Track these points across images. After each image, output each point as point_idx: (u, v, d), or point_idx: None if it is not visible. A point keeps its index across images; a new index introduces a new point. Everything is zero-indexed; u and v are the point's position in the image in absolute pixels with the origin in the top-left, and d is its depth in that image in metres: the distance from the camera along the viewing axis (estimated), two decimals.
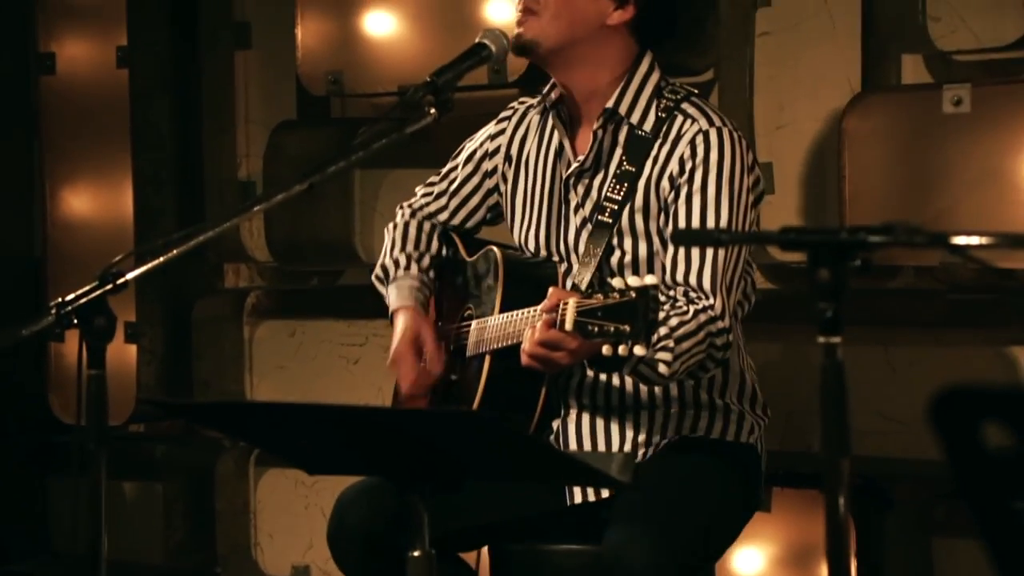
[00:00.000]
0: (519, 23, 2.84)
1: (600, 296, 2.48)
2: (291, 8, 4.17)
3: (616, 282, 2.48)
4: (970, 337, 3.47)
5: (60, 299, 2.47)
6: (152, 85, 4.47)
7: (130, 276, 2.50)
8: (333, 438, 2.42)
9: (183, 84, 4.51)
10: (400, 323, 2.99)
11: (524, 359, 2.64)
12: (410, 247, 3.10)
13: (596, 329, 2.47)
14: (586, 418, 2.88)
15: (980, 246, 1.85)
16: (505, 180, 3.03)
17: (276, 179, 4.18)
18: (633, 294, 2.45)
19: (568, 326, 2.50)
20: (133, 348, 4.42)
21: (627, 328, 2.44)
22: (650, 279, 2.47)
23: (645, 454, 2.85)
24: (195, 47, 4.52)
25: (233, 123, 4.53)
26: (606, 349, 2.47)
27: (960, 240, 1.86)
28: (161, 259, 2.55)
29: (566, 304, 2.52)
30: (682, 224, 2.77)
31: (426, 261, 3.09)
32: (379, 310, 3.17)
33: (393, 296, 3.04)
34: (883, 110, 3.45)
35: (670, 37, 2.91)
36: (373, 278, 3.13)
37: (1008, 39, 3.36)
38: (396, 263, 3.08)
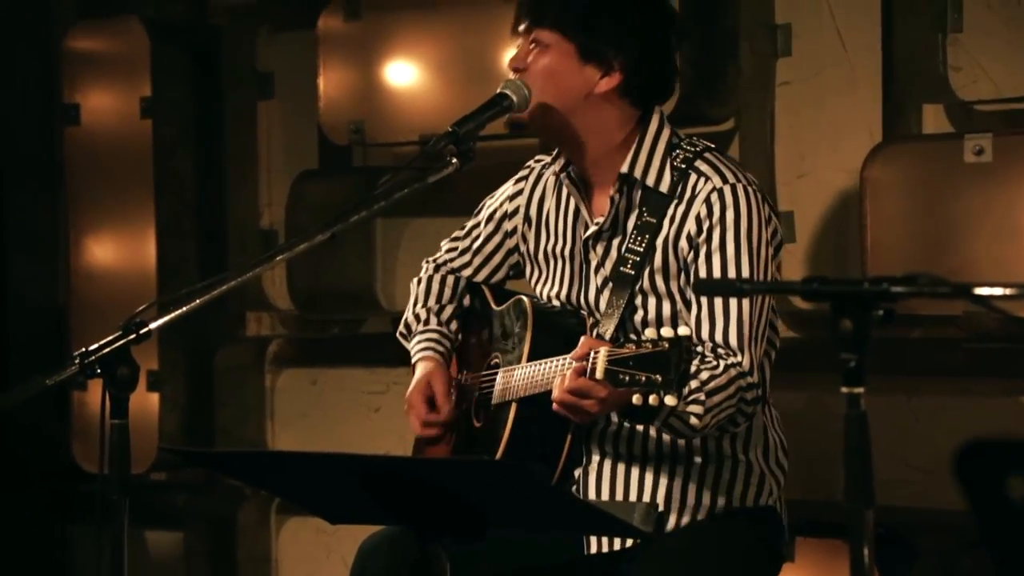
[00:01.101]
0: None
1: (632, 345, 2.48)
2: (313, 58, 4.19)
3: (648, 332, 2.49)
4: (993, 386, 3.46)
5: (84, 349, 2.48)
6: (175, 135, 4.49)
7: (153, 326, 2.51)
8: (354, 487, 2.42)
9: (206, 134, 4.54)
10: (416, 374, 3.02)
11: (554, 407, 2.64)
12: (431, 301, 3.12)
13: (627, 378, 2.47)
14: (607, 466, 2.87)
15: (1003, 296, 1.85)
16: (525, 240, 3.04)
17: (298, 228, 4.19)
18: (666, 344, 2.45)
19: (599, 374, 2.50)
20: (155, 396, 4.43)
21: (659, 378, 2.44)
22: (683, 330, 2.47)
23: (666, 512, 2.84)
24: (218, 97, 4.55)
25: (255, 172, 4.56)
26: (636, 399, 2.47)
27: (983, 291, 1.86)
28: (184, 309, 2.56)
29: (597, 353, 2.52)
30: None
31: (446, 313, 3.11)
32: (400, 358, 3.18)
33: (414, 349, 3.07)
34: (904, 160, 3.46)
35: (665, 98, 2.91)
36: (398, 335, 3.16)
37: None
38: (417, 318, 3.11)
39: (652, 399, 2.45)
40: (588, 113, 2.84)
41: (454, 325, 3.10)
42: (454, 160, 2.74)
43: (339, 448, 4.21)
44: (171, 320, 2.55)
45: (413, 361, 3.06)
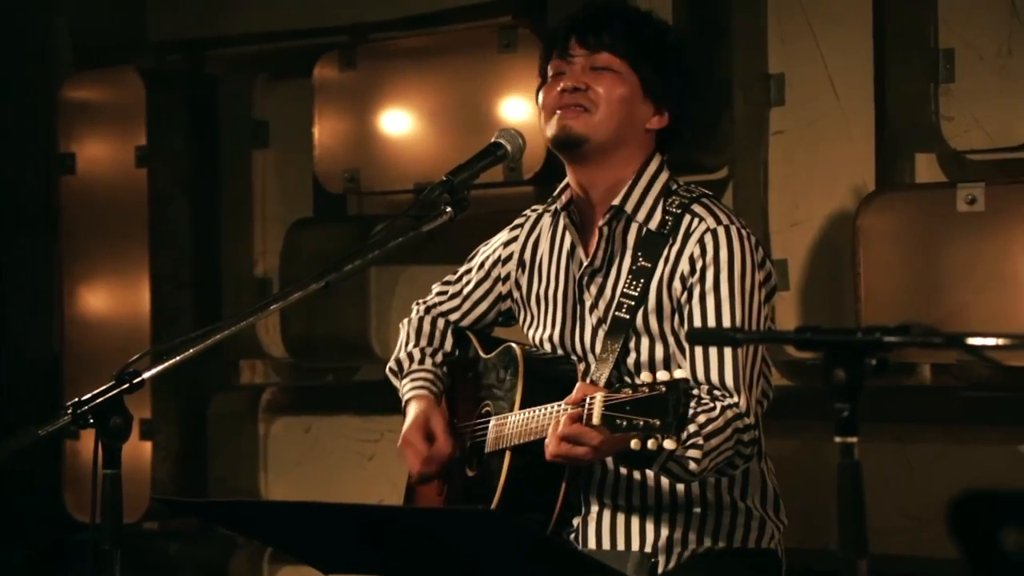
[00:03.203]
0: (566, 116, 2.84)
1: (628, 390, 2.48)
2: (308, 107, 4.21)
3: (644, 376, 2.48)
4: (987, 435, 3.45)
5: (77, 399, 2.47)
6: (170, 184, 4.50)
7: (147, 375, 2.50)
8: (348, 537, 2.41)
9: (201, 183, 4.55)
10: (411, 411, 3.01)
11: (548, 454, 2.63)
12: (423, 342, 3.13)
13: (625, 423, 2.46)
14: (607, 516, 2.86)
15: (995, 347, 1.85)
16: (519, 286, 3.05)
17: (293, 276, 4.20)
18: (663, 388, 2.45)
19: (596, 420, 2.49)
20: (148, 445, 4.42)
21: (657, 422, 2.43)
22: (680, 373, 2.47)
23: (667, 560, 2.83)
24: (213, 146, 4.57)
25: (251, 221, 4.57)
26: (635, 443, 2.46)
27: (976, 341, 1.86)
28: (178, 358, 2.55)
29: (593, 398, 2.52)
30: (696, 324, 2.77)
31: (439, 357, 3.11)
32: (395, 406, 3.17)
33: (407, 387, 3.06)
34: (897, 208, 3.47)
35: (680, 143, 2.96)
36: (387, 371, 3.15)
37: (1021, 139, 3.38)
38: (410, 356, 3.11)
39: (651, 443, 2.44)
40: (630, 146, 2.87)
41: (445, 369, 3.11)
42: (448, 209, 2.74)
43: (333, 496, 4.20)
44: (165, 369, 2.55)
45: (406, 399, 3.04)
